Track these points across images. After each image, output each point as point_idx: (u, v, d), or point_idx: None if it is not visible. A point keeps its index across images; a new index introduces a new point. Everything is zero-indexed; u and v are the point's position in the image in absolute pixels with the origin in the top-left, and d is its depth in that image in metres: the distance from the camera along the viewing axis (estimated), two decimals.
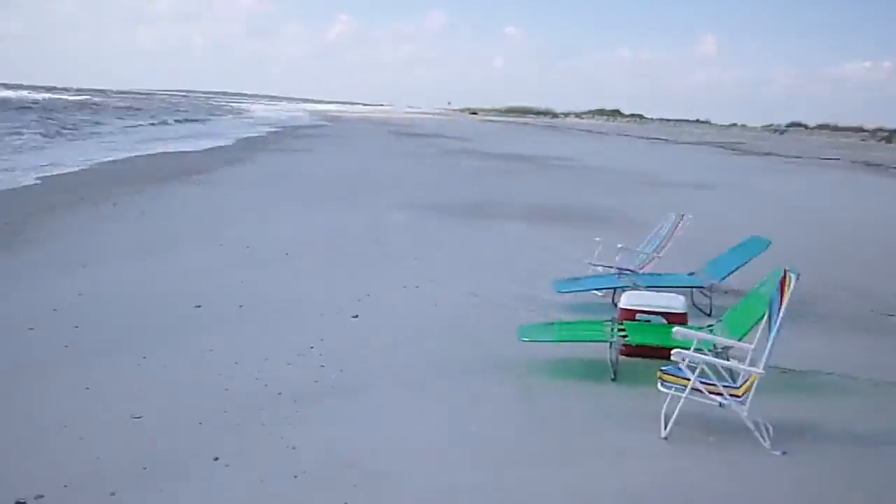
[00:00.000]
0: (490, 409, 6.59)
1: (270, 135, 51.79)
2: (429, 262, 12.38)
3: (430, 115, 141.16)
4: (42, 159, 27.86)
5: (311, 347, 7.93)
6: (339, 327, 8.74)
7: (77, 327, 8.40)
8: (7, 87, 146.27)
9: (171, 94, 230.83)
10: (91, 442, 5.73)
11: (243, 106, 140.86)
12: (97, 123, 53.16)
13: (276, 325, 8.78)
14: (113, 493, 5.02)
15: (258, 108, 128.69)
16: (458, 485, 5.29)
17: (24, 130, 40.64)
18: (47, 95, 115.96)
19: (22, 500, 4.86)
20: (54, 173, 23.66)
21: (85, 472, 5.27)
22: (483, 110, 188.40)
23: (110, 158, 29.07)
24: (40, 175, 22.93)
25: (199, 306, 9.32)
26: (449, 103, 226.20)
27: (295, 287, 10.55)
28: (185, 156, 31.92)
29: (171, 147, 36.03)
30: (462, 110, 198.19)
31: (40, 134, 40.17)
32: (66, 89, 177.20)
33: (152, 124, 57.75)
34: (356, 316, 9.16)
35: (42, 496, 4.93)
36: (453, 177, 27.46)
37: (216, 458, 5.51)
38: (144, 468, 5.34)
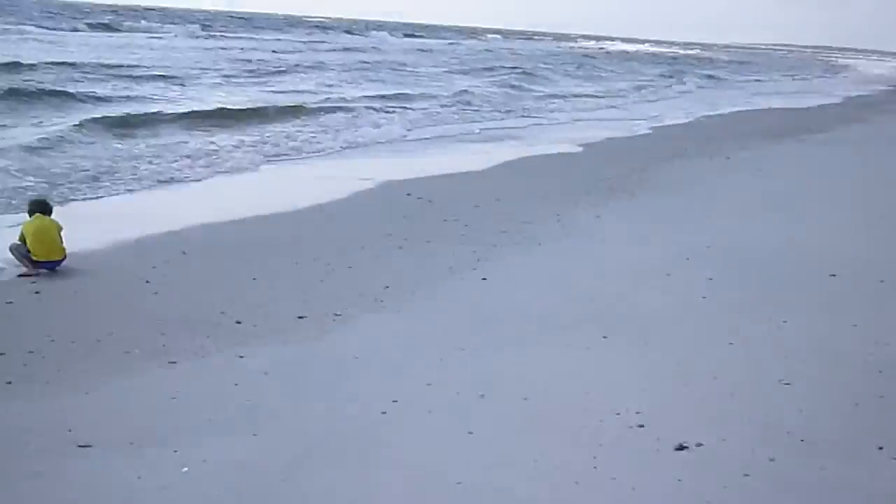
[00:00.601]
0: None
1: (883, 93, 47.42)
2: None
3: None
4: (653, 110, 29.21)
5: None
6: None
7: (711, 279, 8.45)
8: (625, 41, 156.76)
9: (773, 48, 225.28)
10: (742, 399, 5.65)
11: (849, 61, 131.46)
12: (709, 77, 53.71)
13: None
14: (772, 459, 4.86)
15: (864, 64, 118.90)
16: None
17: (650, 84, 42.45)
18: (657, 49, 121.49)
19: (685, 444, 4.96)
20: (665, 124, 24.61)
21: (736, 427, 5.21)
22: None
23: (715, 112, 29.24)
24: (652, 125, 24.03)
25: (833, 275, 8.73)
26: None
27: None
28: (794, 112, 30.75)
29: (776, 103, 35.02)
30: None
31: (665, 86, 42.04)
32: (672, 43, 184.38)
33: (758, 80, 56.73)
34: None
35: (701, 444, 4.98)
36: None
37: (880, 448, 5.02)
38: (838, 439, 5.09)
